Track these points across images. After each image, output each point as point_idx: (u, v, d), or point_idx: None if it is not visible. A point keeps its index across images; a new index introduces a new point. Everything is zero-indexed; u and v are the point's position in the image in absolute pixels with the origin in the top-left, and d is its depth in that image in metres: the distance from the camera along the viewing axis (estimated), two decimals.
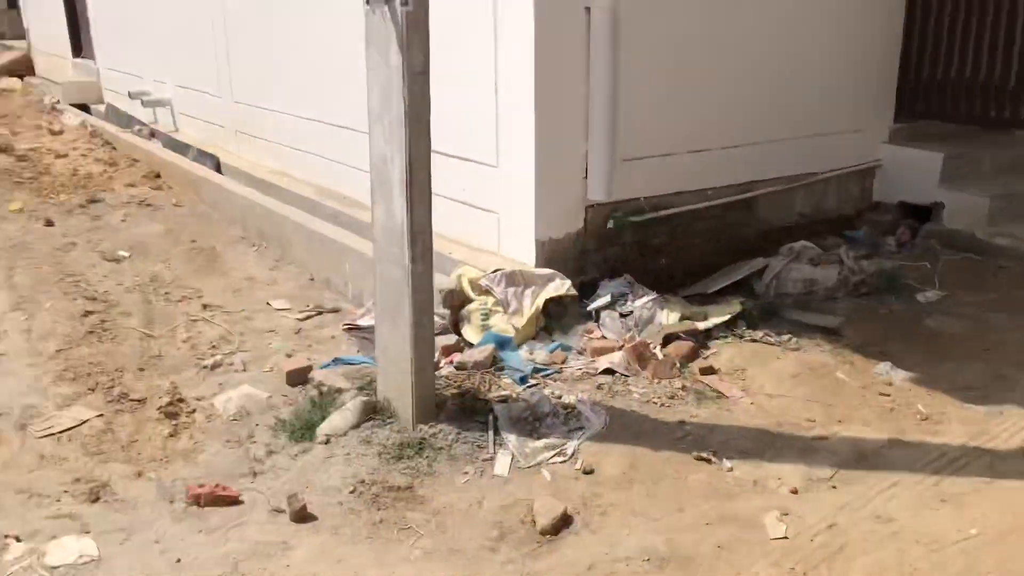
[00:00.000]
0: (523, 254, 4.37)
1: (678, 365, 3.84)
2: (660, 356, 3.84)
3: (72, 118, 9.80)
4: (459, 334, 3.99)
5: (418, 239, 3.03)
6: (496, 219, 4.51)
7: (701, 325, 4.14)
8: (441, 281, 3.96)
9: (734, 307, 4.36)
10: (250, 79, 6.94)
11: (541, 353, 3.89)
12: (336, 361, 3.97)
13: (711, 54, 4.74)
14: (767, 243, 5.26)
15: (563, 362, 3.85)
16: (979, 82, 5.49)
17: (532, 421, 3.35)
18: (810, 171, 5.42)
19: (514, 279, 4.03)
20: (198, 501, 2.97)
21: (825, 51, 5.25)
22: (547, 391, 3.55)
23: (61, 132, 9.28)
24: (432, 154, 3.06)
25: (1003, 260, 5.18)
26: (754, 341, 4.16)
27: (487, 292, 4.01)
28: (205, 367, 4.13)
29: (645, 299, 4.23)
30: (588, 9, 4.16)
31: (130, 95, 8.92)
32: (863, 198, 5.82)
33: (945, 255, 5.27)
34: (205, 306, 4.89)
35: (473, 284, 4.04)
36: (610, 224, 4.52)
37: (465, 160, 4.60)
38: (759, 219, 5.27)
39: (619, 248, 4.62)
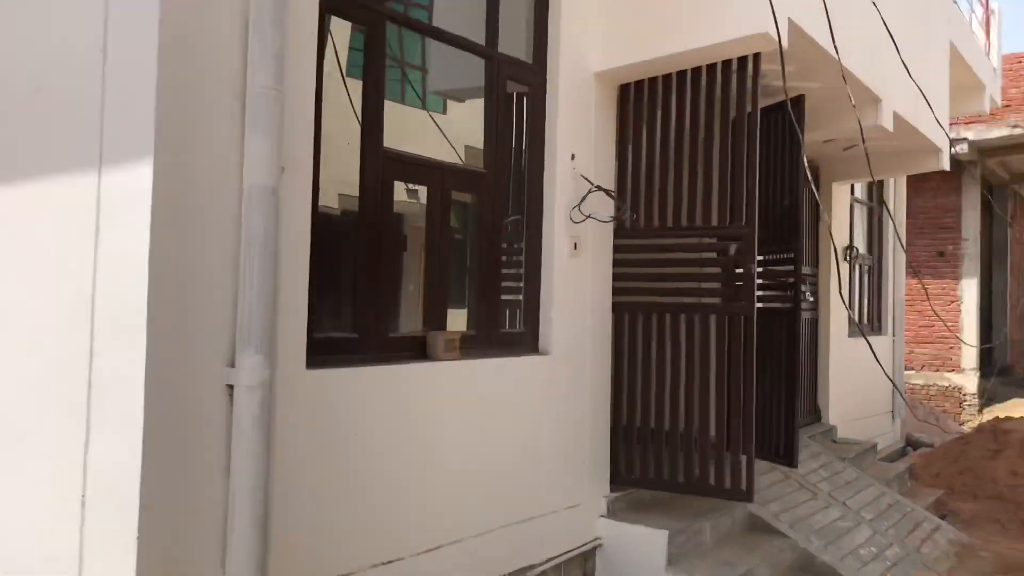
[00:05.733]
0: None
1: None
2: None
3: None
4: None
5: None
6: None
7: None
8: None
9: None
10: None
11: None
12: None
13: (398, 439, 3.70)
14: None
15: None
16: (685, 442, 4.96)
17: None
18: (526, 564, 4.38)
19: None
20: None
21: (533, 424, 4.47)
22: None
23: None
24: None
25: None
26: None
27: None
28: None
29: None
30: (231, 387, 2.97)
31: None
32: None
33: None
34: None
35: None
36: None
37: None
38: None
39: None
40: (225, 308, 2.95)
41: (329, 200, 3.87)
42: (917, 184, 13.16)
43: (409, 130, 4.45)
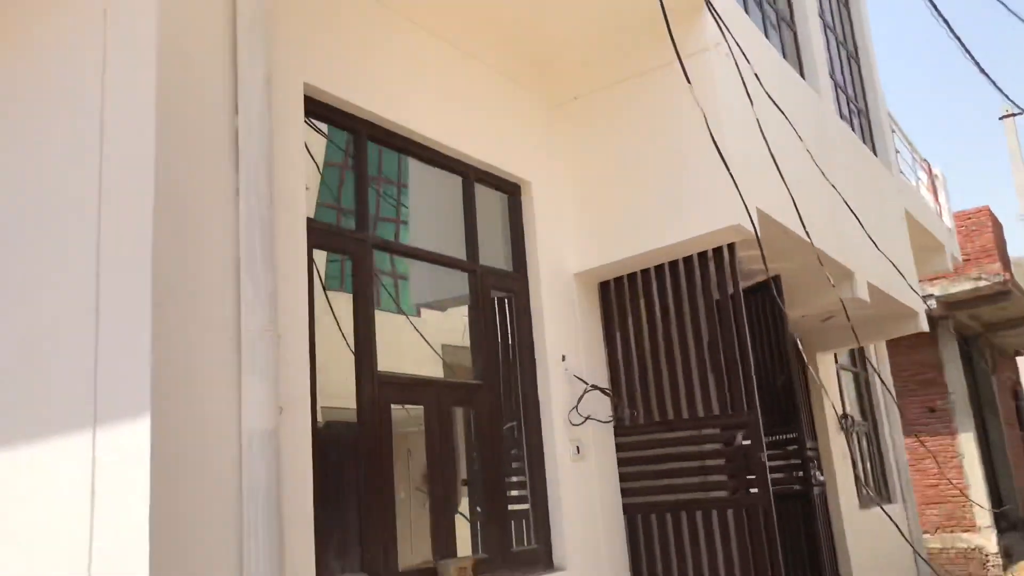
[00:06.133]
0: None
1: None
2: None
3: None
4: None
5: None
6: None
7: None
8: None
9: None
10: None
11: None
12: None
13: None
14: None
15: None
16: None
17: None
18: None
19: None
20: None
21: None
22: None
23: None
24: None
25: None
26: None
27: None
28: None
29: None
30: None
31: None
32: None
33: None
34: None
35: None
36: None
37: None
38: None
39: None
40: (229, 565, 2.76)
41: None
42: (893, 342, 13.28)
43: (385, 336, 4.39)
